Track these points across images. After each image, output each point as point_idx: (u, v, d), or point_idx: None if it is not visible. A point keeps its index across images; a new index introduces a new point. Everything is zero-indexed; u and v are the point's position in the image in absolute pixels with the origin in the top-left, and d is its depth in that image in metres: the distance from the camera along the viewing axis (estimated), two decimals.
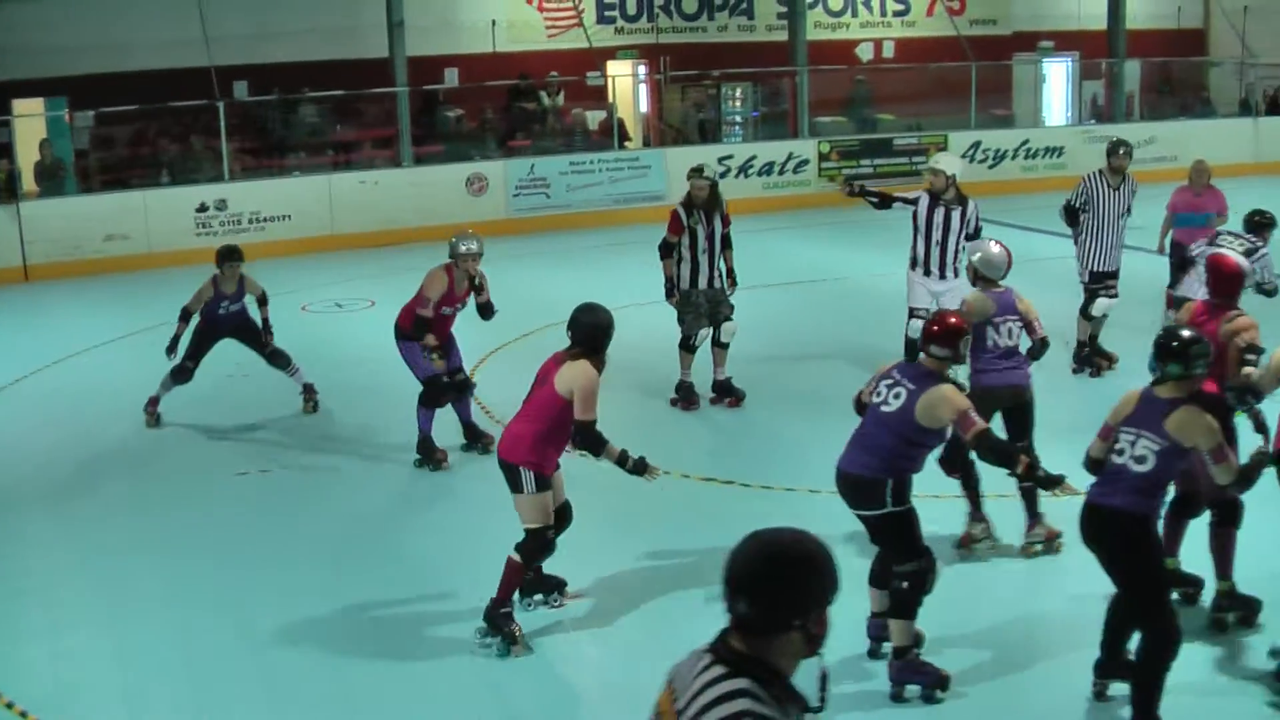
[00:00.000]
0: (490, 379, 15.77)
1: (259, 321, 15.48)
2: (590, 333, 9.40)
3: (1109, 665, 8.67)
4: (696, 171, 15.25)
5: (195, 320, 15.10)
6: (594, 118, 31.08)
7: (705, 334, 15.22)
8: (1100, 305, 16.37)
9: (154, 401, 15.31)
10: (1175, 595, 9.26)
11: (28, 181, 25.82)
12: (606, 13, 33.85)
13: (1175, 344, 8.31)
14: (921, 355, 8.96)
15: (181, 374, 15.15)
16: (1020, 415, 10.76)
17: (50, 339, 19.29)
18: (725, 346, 15.39)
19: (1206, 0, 39.34)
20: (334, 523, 12.30)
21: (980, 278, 11.05)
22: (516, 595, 9.63)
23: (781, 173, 29.21)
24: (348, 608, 10.30)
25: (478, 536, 11.12)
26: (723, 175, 27.91)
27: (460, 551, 11.31)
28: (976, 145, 30.70)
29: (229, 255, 15.12)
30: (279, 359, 15.56)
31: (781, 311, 19.87)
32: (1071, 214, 16.55)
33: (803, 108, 30.83)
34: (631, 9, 34.11)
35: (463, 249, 13.33)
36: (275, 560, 11.39)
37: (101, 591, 10.83)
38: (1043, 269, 20.54)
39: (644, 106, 33.68)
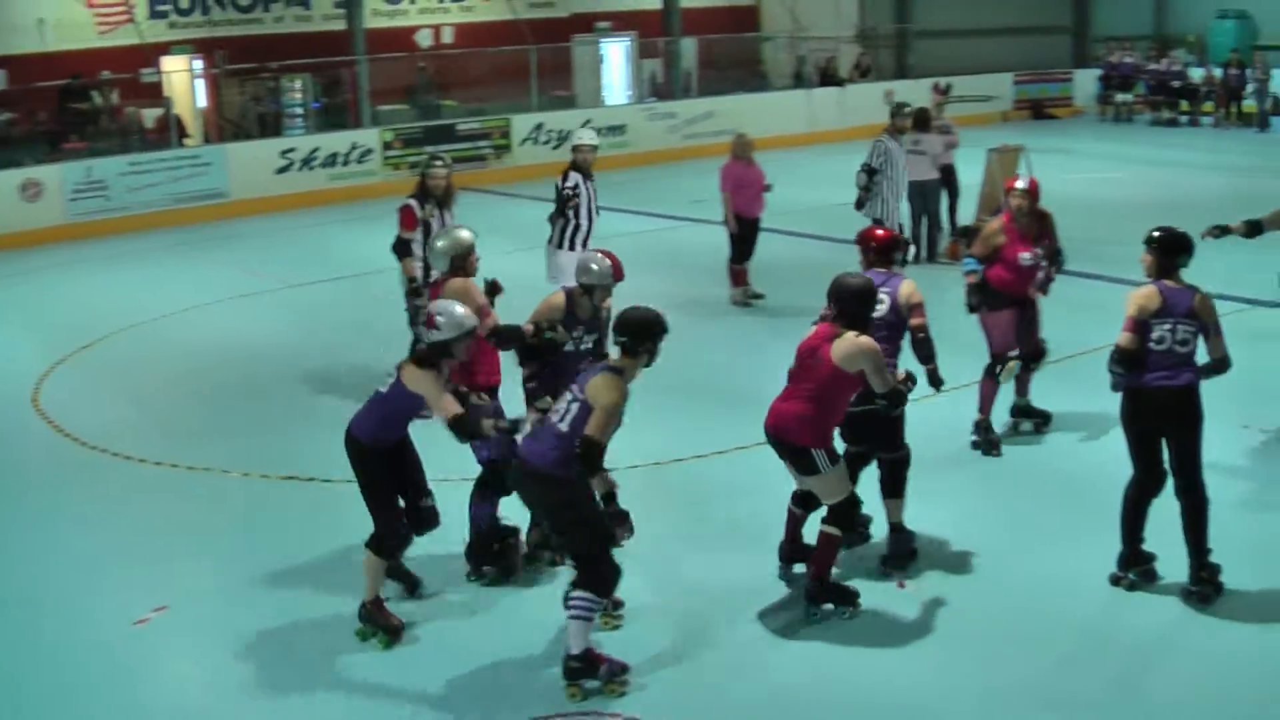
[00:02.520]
0: (60, 393, 15.22)
1: None
2: (853, 303, 9.05)
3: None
4: (436, 159, 14.05)
5: None
6: (150, 115, 30.25)
7: None
8: None
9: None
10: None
11: None
12: (159, 7, 32.87)
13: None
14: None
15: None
16: None
17: None
18: None
19: None
20: None
21: None
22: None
23: (346, 164, 28.81)
24: None
25: None
26: (285, 169, 27.62)
27: None
28: (540, 127, 30.92)
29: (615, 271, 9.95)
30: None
31: (347, 302, 19.46)
32: (870, 174, 17.67)
33: (364, 97, 30.58)
34: (184, 3, 33.24)
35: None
36: None
37: None
38: (619, 244, 20.82)
39: (202, 102, 32.94)
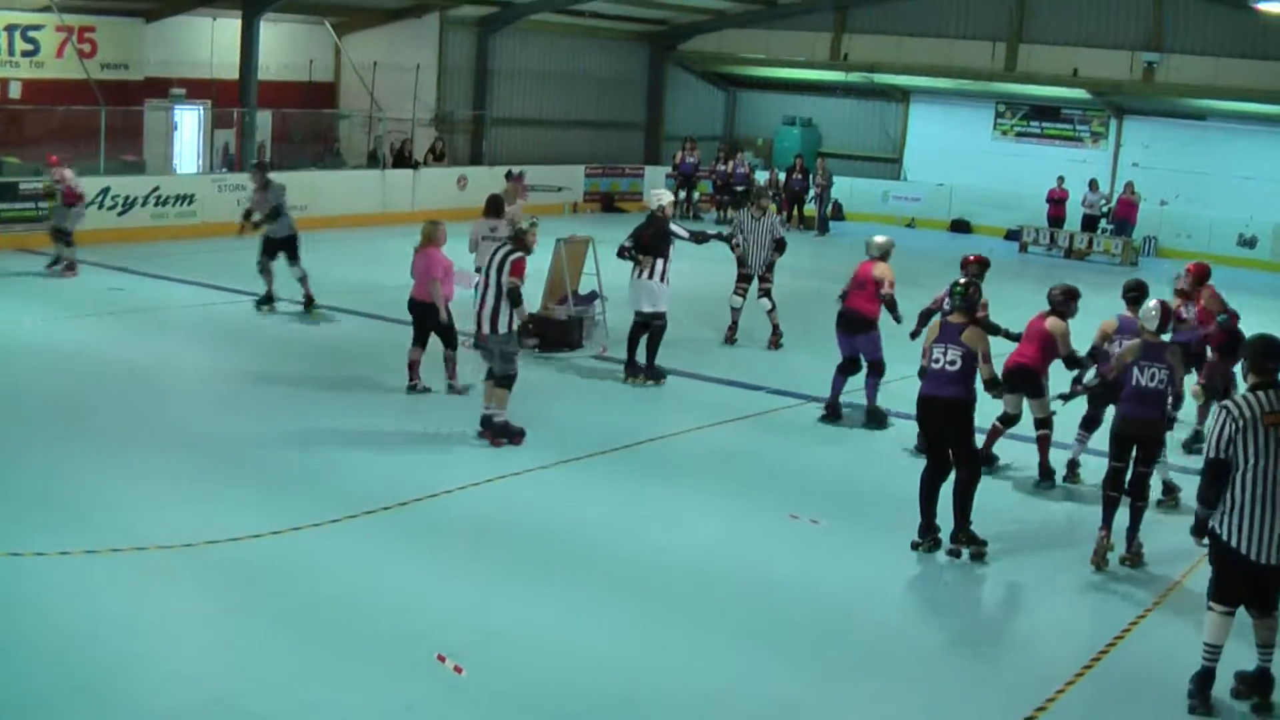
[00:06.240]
0: None
1: None
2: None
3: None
4: (533, 221, 15.44)
5: None
6: None
7: None
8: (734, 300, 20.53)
9: None
10: None
11: None
12: None
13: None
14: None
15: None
16: None
17: None
18: None
19: (337, 55, 40.26)
20: None
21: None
22: None
23: None
24: None
25: None
26: None
27: None
28: (106, 191, 29.89)
29: None
30: None
31: None
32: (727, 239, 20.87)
33: None
34: None
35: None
36: None
37: None
38: (180, 316, 20.56)
39: None
